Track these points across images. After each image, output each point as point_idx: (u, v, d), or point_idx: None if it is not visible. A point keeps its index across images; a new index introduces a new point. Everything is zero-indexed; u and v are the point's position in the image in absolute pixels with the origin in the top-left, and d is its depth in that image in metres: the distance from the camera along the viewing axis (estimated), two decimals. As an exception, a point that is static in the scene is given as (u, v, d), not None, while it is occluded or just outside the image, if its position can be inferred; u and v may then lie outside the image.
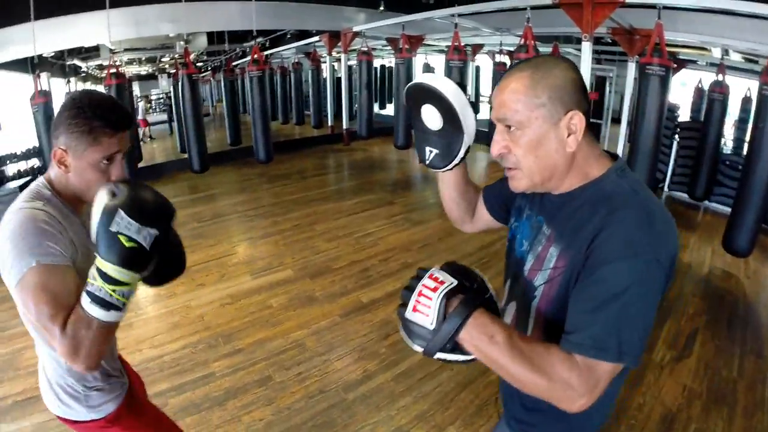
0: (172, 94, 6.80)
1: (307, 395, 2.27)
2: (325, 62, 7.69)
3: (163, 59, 8.94)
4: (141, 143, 10.91)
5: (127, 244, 0.77)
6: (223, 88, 7.40)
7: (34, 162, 5.47)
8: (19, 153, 5.98)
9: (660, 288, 0.67)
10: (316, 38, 6.76)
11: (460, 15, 4.47)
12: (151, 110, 12.33)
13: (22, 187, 4.78)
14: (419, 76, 0.87)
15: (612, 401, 0.88)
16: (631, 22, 4.24)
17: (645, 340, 0.67)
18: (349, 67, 7.50)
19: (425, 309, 0.66)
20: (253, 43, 9.29)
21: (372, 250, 3.97)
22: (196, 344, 2.74)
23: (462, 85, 0.86)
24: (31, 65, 4.10)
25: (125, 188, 0.80)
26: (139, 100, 10.13)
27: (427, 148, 0.91)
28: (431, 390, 2.26)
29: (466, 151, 0.90)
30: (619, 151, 4.61)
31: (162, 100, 11.22)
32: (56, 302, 0.82)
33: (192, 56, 11.35)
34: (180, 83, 4.82)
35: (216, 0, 5.20)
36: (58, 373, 1.06)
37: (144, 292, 3.47)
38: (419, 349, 0.68)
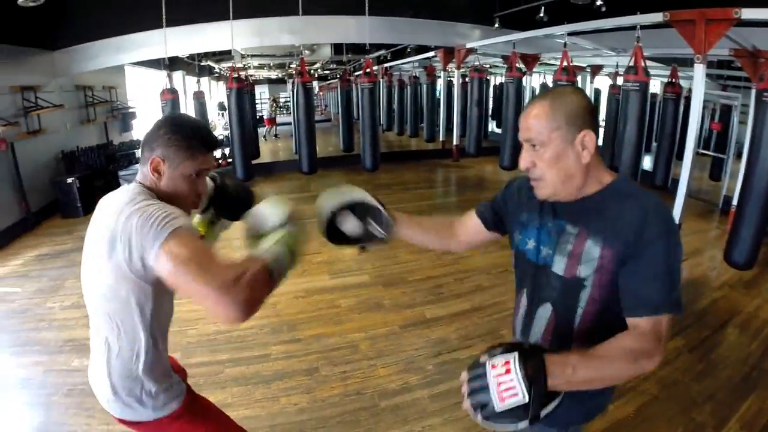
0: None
1: (344, 393, 2.33)
2: (440, 77, 7.89)
3: (291, 65, 10.28)
4: (263, 140, 12.78)
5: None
6: (339, 97, 8.10)
7: None
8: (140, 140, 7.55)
9: (682, 251, 0.89)
10: (432, 53, 7.00)
11: (570, 33, 4.21)
12: (278, 112, 14.21)
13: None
14: (328, 194, 1.18)
15: None
16: (755, 42, 3.65)
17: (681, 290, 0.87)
18: (465, 83, 7.56)
19: (512, 391, 0.73)
20: (371, 55, 10.14)
21: (450, 268, 3.88)
22: (263, 327, 3.04)
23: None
24: (164, 66, 5.18)
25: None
26: (263, 101, 11.49)
27: (358, 246, 1.18)
28: (463, 416, 2.09)
29: (390, 227, 1.15)
30: (736, 191, 3.80)
31: (289, 103, 12.91)
32: (206, 249, 0.92)
33: (317, 65, 12.92)
34: (295, 89, 5.48)
35: (333, 15, 5.83)
36: (125, 374, 1.10)
37: None
38: (525, 424, 0.74)
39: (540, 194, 0.95)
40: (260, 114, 14.88)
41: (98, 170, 6.28)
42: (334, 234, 1.14)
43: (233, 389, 2.42)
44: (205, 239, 1.29)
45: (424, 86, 9.11)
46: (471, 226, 1.23)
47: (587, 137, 0.89)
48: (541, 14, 5.36)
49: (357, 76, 9.96)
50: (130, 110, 7.90)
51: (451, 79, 7.67)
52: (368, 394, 2.31)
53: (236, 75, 5.47)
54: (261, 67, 13.42)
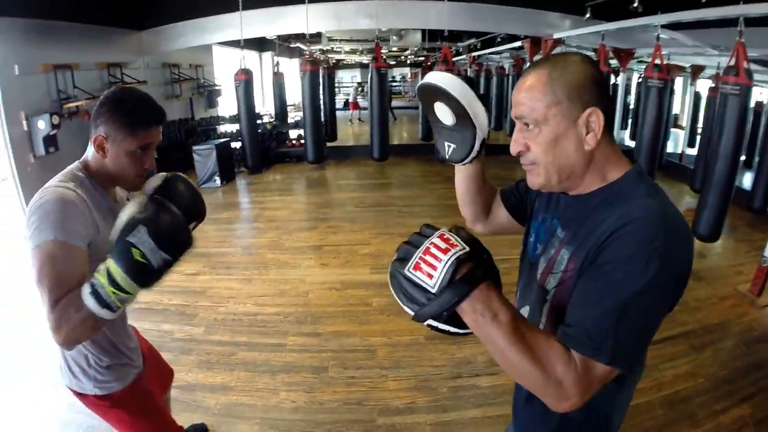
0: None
1: (344, 400, 2.24)
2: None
3: (382, 50, 10.40)
4: (350, 124, 13.16)
5: (137, 258, 0.84)
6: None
7: (236, 126, 7.21)
8: (227, 117, 8.05)
9: (668, 298, 0.69)
10: (519, 43, 6.52)
11: (665, 26, 3.54)
12: (363, 96, 14.48)
13: (218, 144, 6.51)
14: (427, 75, 0.91)
15: (625, 408, 0.90)
16: None
17: (643, 348, 0.72)
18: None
19: (430, 270, 0.62)
20: (463, 44, 9.73)
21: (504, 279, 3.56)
22: (287, 315, 3.08)
23: (471, 81, 0.84)
24: (240, 47, 5.48)
25: (156, 208, 0.88)
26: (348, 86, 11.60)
27: (446, 143, 0.96)
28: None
29: (482, 145, 0.94)
30: None
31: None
32: (59, 278, 0.94)
33: (408, 52, 12.76)
34: (370, 75, 5.48)
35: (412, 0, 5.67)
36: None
37: (273, 256, 4.13)
38: (411, 312, 0.65)
39: (531, 182, 0.81)
40: (347, 98, 15.39)
41: (177, 143, 6.95)
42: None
43: (240, 373, 2.47)
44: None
45: (511, 78, 8.60)
46: (496, 205, 1.09)
47: (594, 116, 0.73)
48: (635, 4, 4.63)
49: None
50: (216, 88, 8.62)
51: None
52: (368, 407, 2.19)
53: (310, 58, 5.60)
54: (353, 51, 13.76)
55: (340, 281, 3.59)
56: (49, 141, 4.67)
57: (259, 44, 10.58)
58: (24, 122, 4.56)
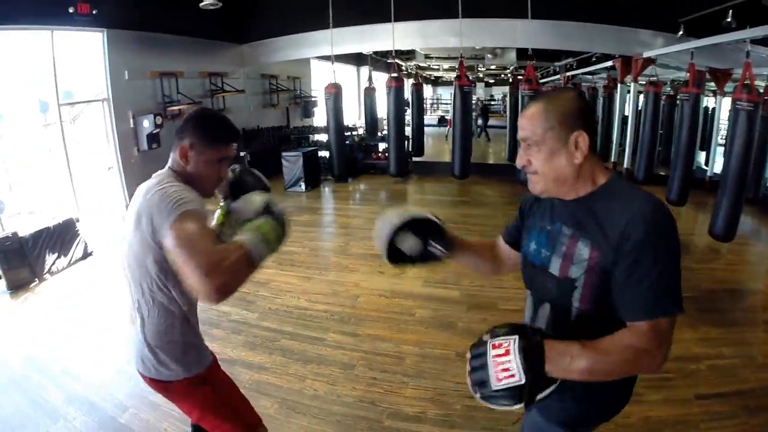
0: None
1: (360, 397, 2.38)
2: (625, 90, 6.78)
3: (479, 68, 10.36)
4: (445, 140, 13.26)
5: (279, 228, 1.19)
6: (519, 103, 7.90)
7: (324, 136, 7.72)
8: (320, 127, 8.64)
9: (680, 251, 0.90)
10: (611, 62, 6.10)
11: (755, 41, 3.06)
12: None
13: (305, 152, 7.06)
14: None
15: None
16: None
17: (680, 288, 0.89)
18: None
19: (509, 372, 0.81)
20: (558, 63, 9.31)
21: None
22: (334, 314, 3.32)
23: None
24: (332, 62, 5.96)
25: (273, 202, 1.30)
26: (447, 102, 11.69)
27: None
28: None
29: (433, 248, 1.20)
30: None
31: (474, 105, 13.23)
32: (204, 233, 1.06)
33: (508, 70, 12.58)
34: (453, 93, 5.61)
35: (498, 18, 5.64)
36: (160, 336, 1.29)
37: (337, 260, 4.42)
38: (520, 406, 0.82)
39: (533, 189, 1.03)
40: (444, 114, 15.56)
41: (269, 148, 7.75)
42: (393, 254, 1.21)
43: (276, 357, 2.76)
44: (224, 227, 1.40)
45: (601, 99, 8.02)
46: (503, 250, 1.30)
47: (580, 138, 0.95)
48: (729, 18, 4.04)
49: (545, 83, 9.41)
50: (312, 99, 9.44)
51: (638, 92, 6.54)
52: (380, 408, 2.29)
53: (396, 74, 5.94)
54: (451, 69, 14.00)
55: (390, 290, 3.74)
56: (152, 138, 5.67)
57: (357, 59, 11.37)
58: (131, 120, 5.61)
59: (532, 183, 1.02)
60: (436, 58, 9.61)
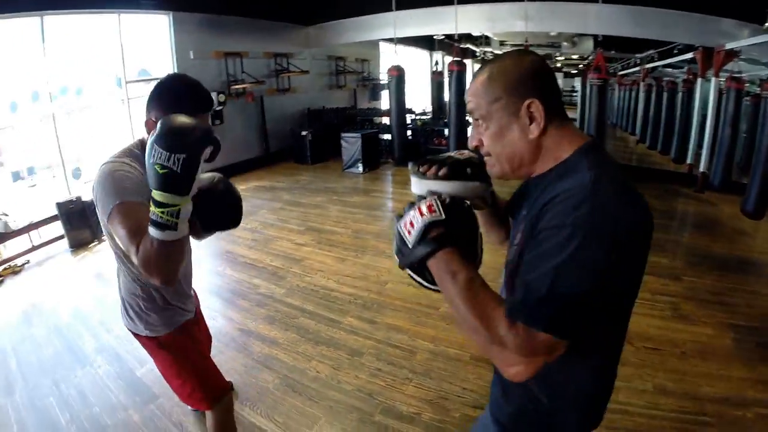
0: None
1: (359, 387, 2.34)
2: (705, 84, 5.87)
3: (556, 56, 9.62)
4: None
5: (160, 171, 0.96)
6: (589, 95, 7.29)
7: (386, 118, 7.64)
8: (385, 110, 8.53)
9: (603, 267, 0.68)
10: (691, 54, 5.29)
11: None
12: None
13: (364, 133, 7.05)
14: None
15: (601, 391, 0.91)
16: None
17: (589, 318, 0.70)
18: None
19: (411, 229, 0.83)
20: (640, 55, 8.26)
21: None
22: (357, 298, 3.31)
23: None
24: (395, 44, 5.81)
25: (163, 122, 0.99)
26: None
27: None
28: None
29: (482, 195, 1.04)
30: None
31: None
32: (134, 229, 1.08)
33: (576, 57, 11.53)
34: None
35: (568, 1, 5.09)
36: (129, 292, 1.39)
37: (375, 243, 4.39)
38: (396, 260, 0.88)
39: (489, 172, 0.90)
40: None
41: (331, 129, 7.86)
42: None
43: (290, 334, 2.81)
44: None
45: (680, 94, 7.00)
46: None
47: (533, 106, 0.79)
48: None
49: (626, 74, 8.47)
50: (381, 82, 9.37)
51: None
52: (376, 402, 2.24)
53: (458, 58, 5.67)
54: None
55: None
56: (215, 115, 6.03)
57: (430, 43, 11.07)
58: None
59: (487, 167, 0.89)
60: (511, 44, 9.06)
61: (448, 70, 5.74)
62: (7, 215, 4.56)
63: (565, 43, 7.84)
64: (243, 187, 6.60)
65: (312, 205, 5.69)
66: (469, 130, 1.04)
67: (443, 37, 6.74)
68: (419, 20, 6.20)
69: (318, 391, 2.31)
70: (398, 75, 5.96)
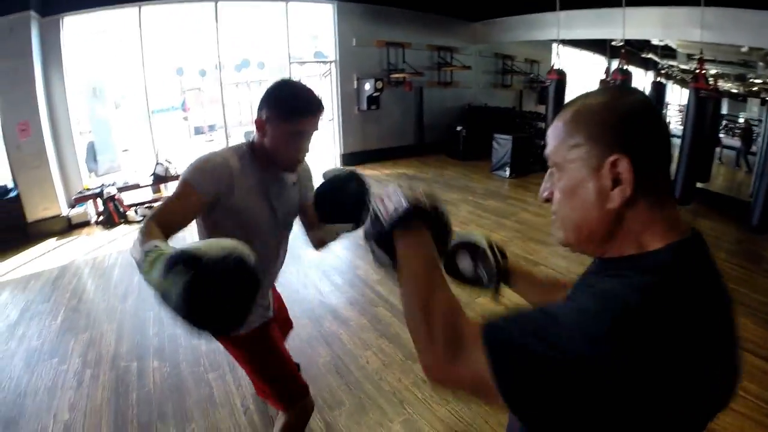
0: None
1: (396, 390, 2.40)
2: None
3: (751, 79, 7.34)
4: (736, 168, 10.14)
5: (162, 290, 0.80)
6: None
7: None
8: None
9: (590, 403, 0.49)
10: None
11: None
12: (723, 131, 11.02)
13: (516, 135, 6.66)
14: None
15: None
16: None
17: (544, 395, 0.51)
18: None
19: (389, 202, 0.80)
20: None
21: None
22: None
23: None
24: (557, 45, 5.22)
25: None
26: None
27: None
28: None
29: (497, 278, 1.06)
30: None
31: (740, 125, 9.80)
32: (166, 211, 1.13)
33: None
34: (688, 99, 4.30)
35: (754, 9, 3.68)
36: None
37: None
38: (364, 230, 0.85)
39: (553, 235, 0.74)
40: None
41: (490, 127, 7.63)
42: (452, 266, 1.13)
43: (362, 319, 3.07)
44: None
45: None
46: None
47: (621, 165, 0.59)
48: None
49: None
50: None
51: None
52: (401, 411, 2.27)
53: (623, 67, 4.89)
54: (723, 75, 10.18)
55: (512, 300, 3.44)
56: (372, 100, 6.52)
57: (610, 49, 9.60)
58: (355, 82, 6.53)
59: (552, 227, 0.71)
60: (699, 59, 7.19)
61: (611, 80, 5.00)
62: (170, 162, 5.92)
63: (761, 63, 5.93)
64: (388, 171, 7.05)
65: (444, 201, 5.76)
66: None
67: (622, 42, 5.77)
68: (588, 21, 5.51)
69: (357, 380, 2.48)
70: (558, 79, 5.45)
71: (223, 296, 0.80)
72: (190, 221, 1.22)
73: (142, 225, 1.05)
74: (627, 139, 0.59)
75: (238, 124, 12.11)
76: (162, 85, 12.14)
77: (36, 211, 4.92)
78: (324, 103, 1.34)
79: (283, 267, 1.64)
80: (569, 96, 5.92)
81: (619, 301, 0.52)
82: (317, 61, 7.46)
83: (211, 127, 12.15)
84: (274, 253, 1.51)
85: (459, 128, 7.31)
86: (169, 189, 5.79)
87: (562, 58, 9.26)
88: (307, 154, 1.38)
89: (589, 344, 0.49)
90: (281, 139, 1.29)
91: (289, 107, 1.26)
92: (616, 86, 0.69)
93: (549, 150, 0.67)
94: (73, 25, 5.64)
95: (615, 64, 10.92)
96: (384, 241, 0.79)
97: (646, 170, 0.59)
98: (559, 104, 5.75)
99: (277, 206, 1.43)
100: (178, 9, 6.58)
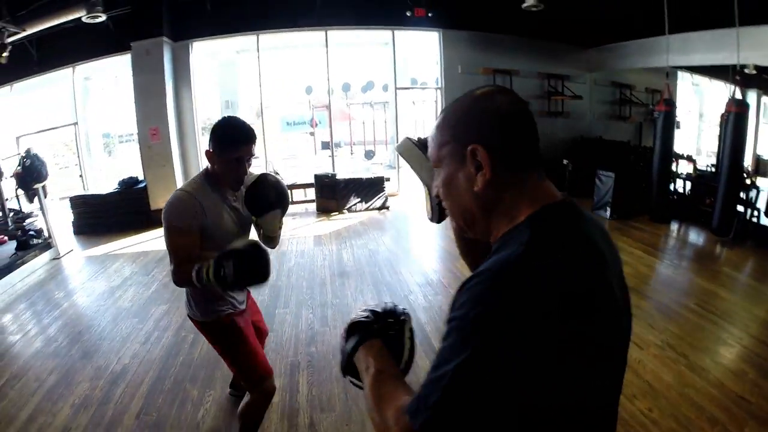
0: None
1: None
2: None
3: None
4: None
5: (220, 274, 1.43)
6: None
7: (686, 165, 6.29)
8: (680, 153, 6.68)
9: (515, 375, 0.54)
10: None
11: None
12: None
13: (619, 174, 5.98)
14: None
15: None
16: None
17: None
18: None
19: (342, 341, 0.85)
20: None
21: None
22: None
23: (424, 144, 0.91)
24: (666, 73, 4.64)
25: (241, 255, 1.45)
26: None
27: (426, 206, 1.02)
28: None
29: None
30: None
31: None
32: (176, 250, 1.60)
33: None
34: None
35: None
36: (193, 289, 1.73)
37: None
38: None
39: (452, 225, 0.86)
40: None
41: (600, 162, 6.97)
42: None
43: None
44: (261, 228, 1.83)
45: None
46: None
47: (479, 154, 0.67)
48: None
49: None
50: (675, 119, 7.63)
51: None
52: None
53: (738, 97, 4.25)
54: None
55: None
56: None
57: (744, 78, 8.05)
58: None
59: (450, 219, 0.81)
60: None
61: (725, 111, 4.38)
62: (278, 173, 6.66)
63: None
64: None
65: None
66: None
67: (754, 69, 4.92)
68: (703, 45, 4.88)
69: (357, 394, 2.56)
70: (668, 111, 4.93)
71: (255, 263, 1.47)
72: (199, 247, 1.62)
73: (174, 278, 1.61)
74: (482, 132, 0.68)
75: (361, 141, 12.94)
76: (292, 102, 13.53)
77: (158, 201, 6.03)
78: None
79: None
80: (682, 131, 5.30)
81: (499, 276, 0.59)
82: (427, 87, 7.79)
83: (337, 144, 13.05)
84: None
85: (565, 162, 6.86)
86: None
87: (691, 86, 8.30)
88: (246, 175, 1.70)
89: (464, 348, 0.55)
90: (225, 164, 1.64)
91: (228, 139, 1.62)
92: (483, 87, 0.73)
93: (429, 152, 0.77)
94: (205, 48, 6.93)
95: (752, 94, 9.37)
96: (352, 371, 0.82)
97: (505, 155, 0.67)
98: (667, 139, 5.21)
99: (235, 215, 1.78)
100: (295, 37, 7.55)
